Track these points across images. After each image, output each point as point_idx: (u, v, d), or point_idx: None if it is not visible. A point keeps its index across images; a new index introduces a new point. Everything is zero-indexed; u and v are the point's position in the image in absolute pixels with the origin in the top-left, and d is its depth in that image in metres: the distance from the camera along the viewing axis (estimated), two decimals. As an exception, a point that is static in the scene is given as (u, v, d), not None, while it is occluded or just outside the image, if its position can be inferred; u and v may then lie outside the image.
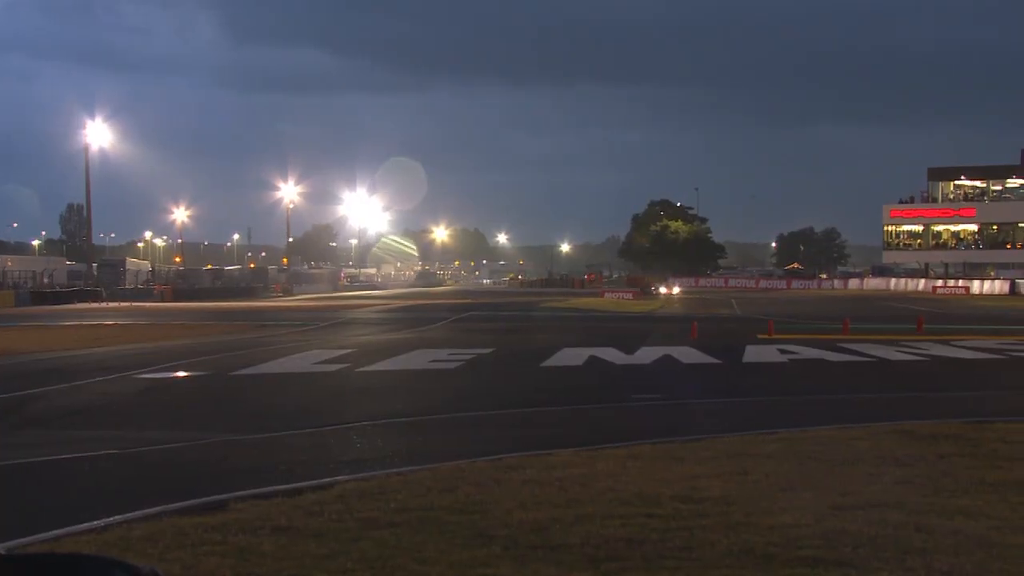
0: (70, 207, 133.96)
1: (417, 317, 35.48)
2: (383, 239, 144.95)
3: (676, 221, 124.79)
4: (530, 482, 6.94)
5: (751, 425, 9.80)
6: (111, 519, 6.10)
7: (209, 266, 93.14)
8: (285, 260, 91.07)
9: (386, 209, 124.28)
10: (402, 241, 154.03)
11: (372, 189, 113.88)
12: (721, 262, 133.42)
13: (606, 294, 60.86)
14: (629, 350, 19.53)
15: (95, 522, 6.03)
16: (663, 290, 65.54)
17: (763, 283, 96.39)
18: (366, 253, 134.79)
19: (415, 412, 11.49)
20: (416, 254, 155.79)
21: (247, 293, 65.55)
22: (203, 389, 14.62)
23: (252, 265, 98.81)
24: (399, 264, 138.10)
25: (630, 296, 57.87)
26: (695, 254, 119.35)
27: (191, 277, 73.66)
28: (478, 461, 7.86)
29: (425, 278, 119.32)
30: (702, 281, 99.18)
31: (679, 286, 74.53)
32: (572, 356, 18.65)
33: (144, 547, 5.43)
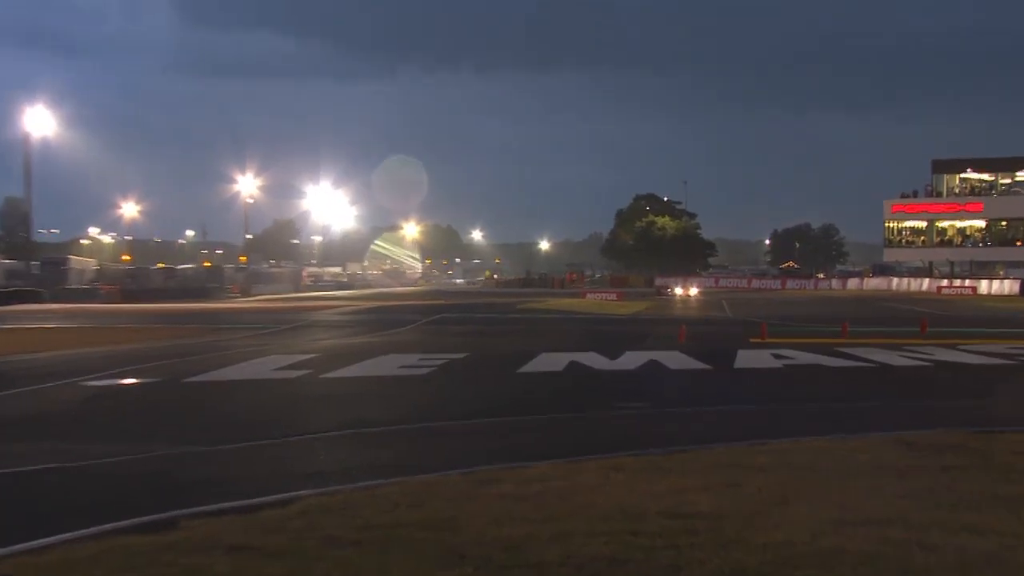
0: (7, 200, 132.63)
1: (385, 319, 35.44)
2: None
3: (663, 217, 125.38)
4: (505, 497, 6.93)
5: (743, 435, 9.82)
6: (52, 539, 6.02)
7: (160, 265, 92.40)
8: (243, 258, 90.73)
9: (353, 203, 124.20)
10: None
11: (338, 183, 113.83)
12: (711, 261, 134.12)
13: (588, 295, 61.05)
14: (612, 355, 19.60)
15: (34, 542, 5.96)
16: (678, 291, 65.49)
17: (756, 283, 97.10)
18: (332, 250, 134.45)
19: (382, 422, 11.46)
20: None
21: (202, 294, 65.17)
22: (153, 397, 14.51)
23: (207, 264, 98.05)
24: (366, 263, 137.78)
25: (614, 297, 58.14)
26: (683, 252, 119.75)
27: (141, 277, 72.99)
28: (450, 474, 7.85)
29: (395, 277, 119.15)
30: (690, 281, 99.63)
31: (697, 286, 74.06)
32: (551, 361, 18.68)
33: (89, 569, 5.37)
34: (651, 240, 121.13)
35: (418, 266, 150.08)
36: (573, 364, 18.13)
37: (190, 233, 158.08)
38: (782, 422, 11.40)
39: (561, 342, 23.88)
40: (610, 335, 27.02)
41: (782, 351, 20.49)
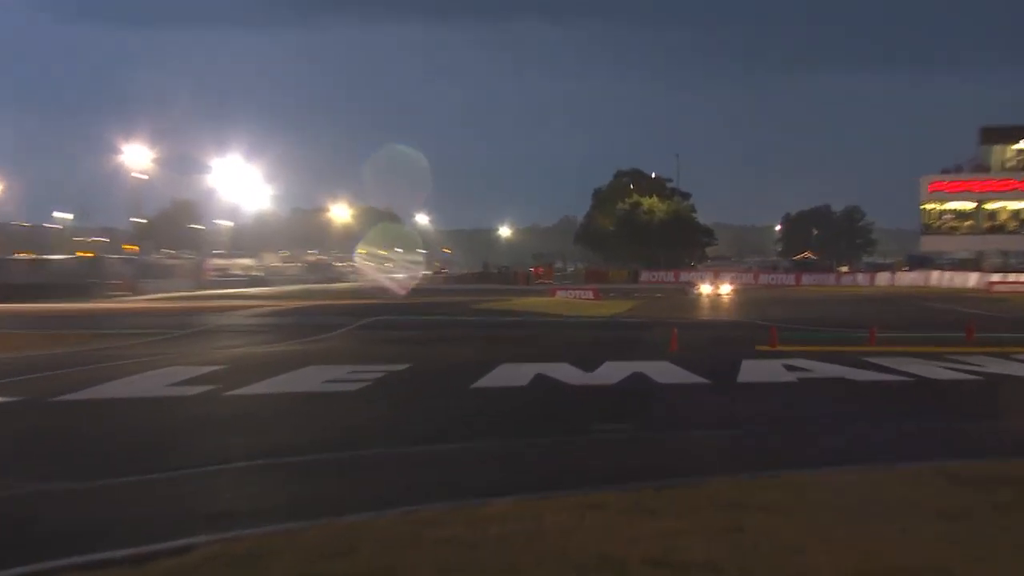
0: None
1: (308, 323, 35.31)
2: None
3: (650, 197, 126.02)
4: (455, 542, 6.90)
5: (747, 465, 9.90)
6: None
7: (26, 255, 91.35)
8: (132, 247, 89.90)
9: (269, 181, 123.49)
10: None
11: (251, 156, 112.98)
12: (709, 251, 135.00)
13: (558, 292, 61.21)
14: (588, 366, 19.69)
15: None
16: (705, 288, 65.06)
17: (765, 277, 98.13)
18: (244, 237, 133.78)
19: (303, 449, 11.41)
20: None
21: (79, 291, 64.39)
22: (14, 421, 14.30)
23: (87, 254, 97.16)
24: (287, 252, 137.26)
25: (590, 295, 58.26)
26: (675, 240, 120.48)
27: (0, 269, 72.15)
28: (386, 514, 7.82)
29: (320, 271, 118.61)
30: (684, 276, 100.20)
31: (731, 282, 73.63)
32: (513, 374, 18.74)
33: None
34: (636, 226, 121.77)
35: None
36: (540, 378, 18.15)
37: (65, 216, 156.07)
38: (795, 449, 11.48)
39: (525, 351, 23.90)
40: (585, 342, 27.16)
41: (796, 361, 20.64)
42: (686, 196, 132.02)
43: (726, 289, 66.00)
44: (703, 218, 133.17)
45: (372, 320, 36.24)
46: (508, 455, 11.33)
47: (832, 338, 27.75)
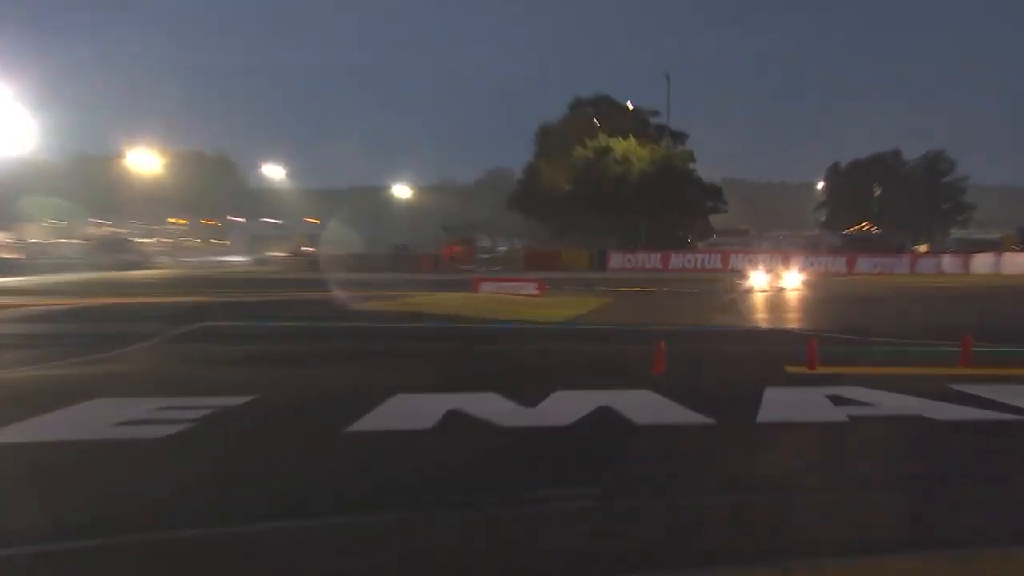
0: None
1: (97, 331, 34.84)
2: None
3: (622, 140, 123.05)
4: None
5: (775, 550, 9.90)
6: None
7: None
8: None
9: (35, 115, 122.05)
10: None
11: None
12: (715, 221, 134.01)
13: (484, 285, 60.40)
14: (529, 398, 19.45)
15: None
16: (758, 280, 62.86)
17: (800, 261, 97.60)
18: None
19: (81, 529, 11.22)
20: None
21: None
22: None
23: None
24: (60, 221, 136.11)
25: (533, 289, 57.65)
26: (664, 203, 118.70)
27: None
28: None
29: (113, 250, 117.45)
30: (676, 259, 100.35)
31: (801, 268, 71.93)
32: (412, 411, 18.50)
33: None
34: (603, 182, 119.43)
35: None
36: (454, 416, 17.92)
37: None
38: (851, 527, 11.38)
39: (432, 375, 23.74)
40: (525, 361, 27.01)
41: (847, 390, 20.44)
42: (680, 139, 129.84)
43: (793, 281, 64.89)
44: (706, 172, 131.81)
45: (197, 328, 35.77)
46: (399, 539, 11.23)
47: (900, 355, 27.67)
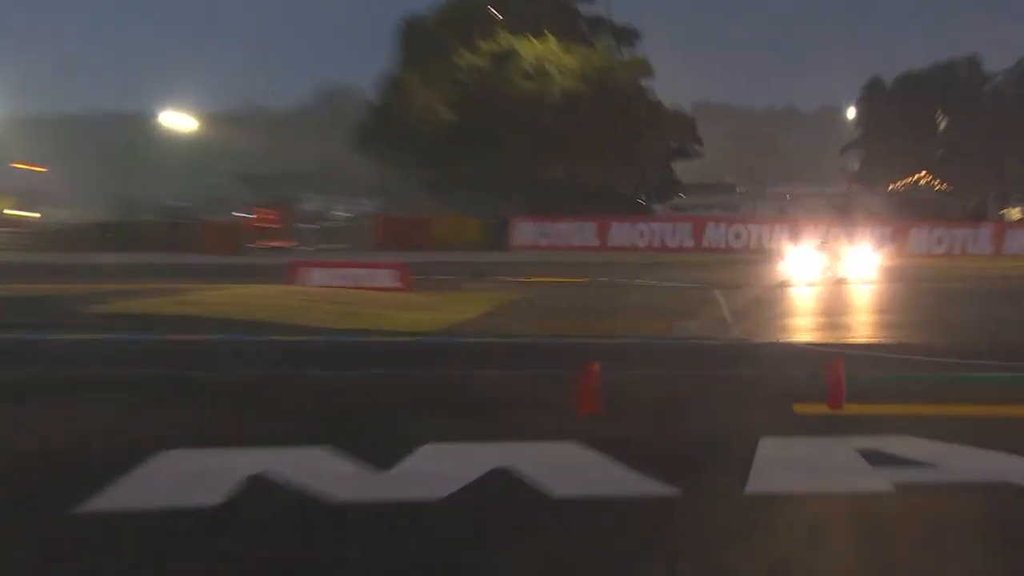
0: None
1: None
2: None
3: (536, 40, 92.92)
4: None
5: None
6: None
7: None
8: None
9: None
10: None
11: None
12: (683, 173, 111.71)
13: (312, 272, 50.95)
14: (382, 454, 14.38)
15: None
16: (810, 264, 51.19)
17: (825, 232, 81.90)
18: None
19: None
20: None
21: None
22: None
23: None
24: None
25: (392, 279, 49.54)
26: (602, 144, 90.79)
27: None
28: None
29: None
30: (619, 230, 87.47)
31: (879, 244, 61.06)
32: (192, 475, 13.73)
33: None
34: (504, 106, 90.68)
35: None
36: (259, 484, 13.03)
37: None
38: None
39: (228, 419, 18.20)
40: (377, 396, 20.72)
41: (890, 442, 15.23)
42: (627, 39, 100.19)
43: (871, 264, 52.79)
44: (670, 94, 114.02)
45: None
46: None
47: (964, 381, 22.12)
